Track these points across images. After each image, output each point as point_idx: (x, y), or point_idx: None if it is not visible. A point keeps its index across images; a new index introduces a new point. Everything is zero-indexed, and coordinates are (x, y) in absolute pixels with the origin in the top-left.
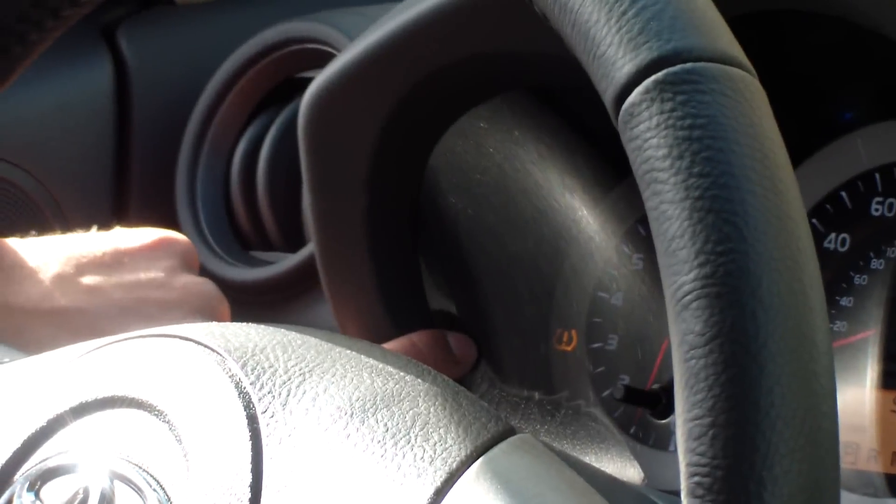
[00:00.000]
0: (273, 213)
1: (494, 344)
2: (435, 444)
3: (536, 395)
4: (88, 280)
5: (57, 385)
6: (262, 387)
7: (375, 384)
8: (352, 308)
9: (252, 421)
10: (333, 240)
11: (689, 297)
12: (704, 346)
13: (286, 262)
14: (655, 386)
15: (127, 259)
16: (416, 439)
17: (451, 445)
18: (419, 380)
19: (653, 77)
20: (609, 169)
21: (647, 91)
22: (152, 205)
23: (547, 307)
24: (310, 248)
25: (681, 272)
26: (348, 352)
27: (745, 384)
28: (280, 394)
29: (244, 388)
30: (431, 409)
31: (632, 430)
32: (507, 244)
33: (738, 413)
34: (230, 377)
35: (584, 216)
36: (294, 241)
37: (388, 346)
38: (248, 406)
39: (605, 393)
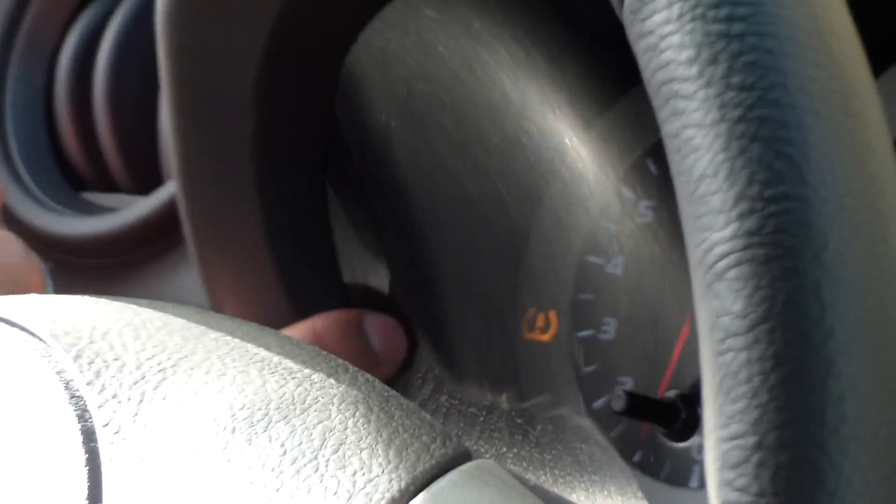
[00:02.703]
0: (116, 139)
1: (439, 330)
2: (354, 473)
3: (502, 404)
4: None
5: None
6: (103, 389)
7: (268, 386)
8: (230, 276)
9: (88, 438)
10: (205, 177)
11: (723, 263)
12: (746, 332)
13: (135, 208)
14: (671, 393)
15: None
16: (327, 466)
17: (377, 476)
18: (332, 380)
19: None
20: (608, 78)
21: None
22: None
23: (514, 277)
24: (170, 190)
25: (712, 226)
26: (229, 339)
27: (805, 388)
28: (129, 399)
29: (77, 390)
30: (350, 424)
31: (636, 457)
32: (460, 184)
33: (795, 430)
34: (57, 374)
35: (570, 145)
36: (146, 179)
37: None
38: (83, 416)
39: (598, 403)
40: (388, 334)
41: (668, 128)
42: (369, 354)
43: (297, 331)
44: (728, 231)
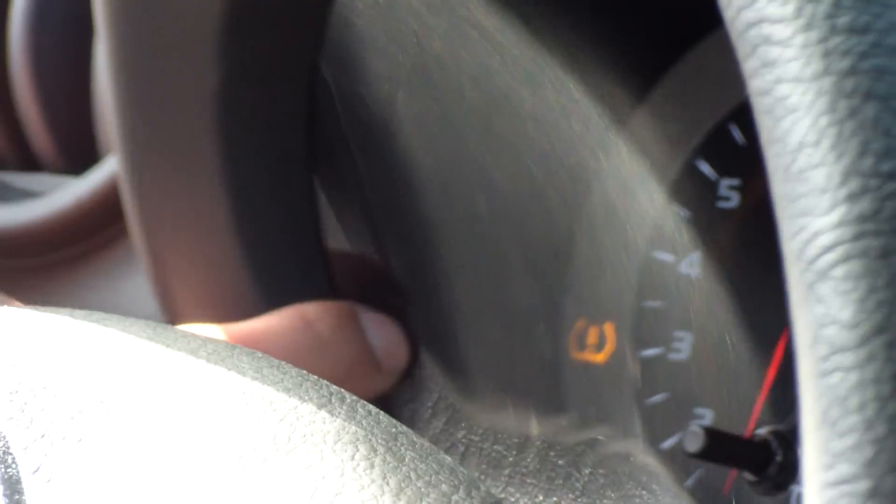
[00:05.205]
0: (39, 104)
1: (455, 348)
2: None
3: (537, 440)
4: None
5: None
6: (29, 424)
7: (242, 420)
8: (189, 278)
9: (11, 489)
10: (156, 152)
11: (828, 258)
12: (858, 346)
13: (65, 193)
14: (763, 430)
15: None
16: None
17: None
18: (324, 412)
19: None
20: (677, 20)
21: None
22: None
23: (557, 280)
24: (109, 169)
25: (814, 210)
26: (190, 360)
27: None
28: (64, 438)
29: None
30: (348, 468)
31: None
32: (482, 168)
33: None
34: None
35: (629, 109)
36: (78, 154)
37: (255, 326)
38: (5, 460)
39: (668, 442)
40: (389, 334)
41: (756, 83)
42: (370, 357)
43: (282, 317)
44: (834, 216)
